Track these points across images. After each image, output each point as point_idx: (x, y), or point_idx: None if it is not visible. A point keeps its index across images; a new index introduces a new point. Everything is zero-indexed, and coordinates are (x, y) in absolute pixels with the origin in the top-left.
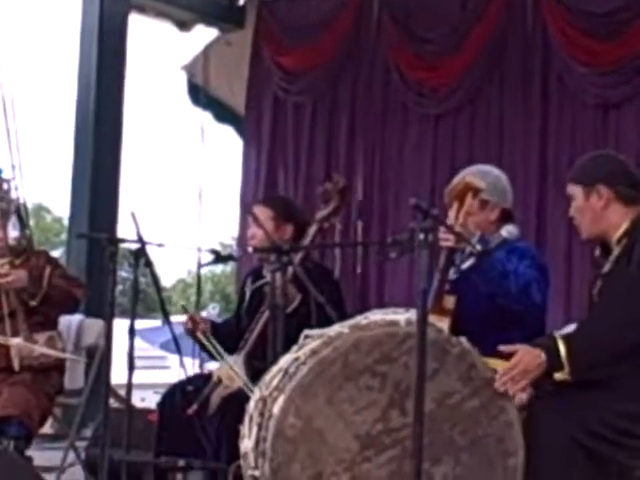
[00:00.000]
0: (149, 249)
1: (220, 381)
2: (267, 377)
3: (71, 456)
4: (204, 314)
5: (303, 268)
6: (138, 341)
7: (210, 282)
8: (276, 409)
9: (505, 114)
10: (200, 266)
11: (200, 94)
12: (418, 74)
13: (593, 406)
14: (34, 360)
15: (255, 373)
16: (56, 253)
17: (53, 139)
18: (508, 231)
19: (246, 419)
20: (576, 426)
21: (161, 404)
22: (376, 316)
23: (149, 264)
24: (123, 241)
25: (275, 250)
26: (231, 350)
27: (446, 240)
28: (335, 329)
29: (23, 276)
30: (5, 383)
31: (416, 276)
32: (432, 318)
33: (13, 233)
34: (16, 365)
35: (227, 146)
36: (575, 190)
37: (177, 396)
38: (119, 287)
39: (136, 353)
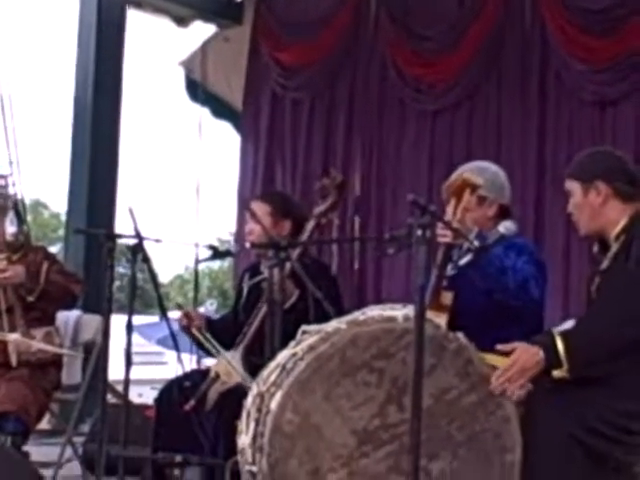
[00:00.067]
0: (147, 245)
1: (217, 377)
2: (264, 373)
3: (68, 452)
4: (202, 310)
5: (301, 264)
6: (135, 337)
7: (208, 278)
8: (273, 405)
9: (503, 111)
10: (198, 262)
11: (198, 90)
12: (416, 71)
13: (591, 403)
14: (31, 356)
15: (253, 369)
16: (54, 249)
17: (51, 135)
18: (506, 227)
19: (243, 415)
20: (574, 423)
21: (158, 400)
22: (373, 312)
23: (147, 260)
24: (121, 237)
25: (273, 246)
26: (228, 346)
27: (444, 236)
28: (333, 325)
29: (20, 272)
30: (2, 379)
31: (413, 272)
32: (429, 314)
33: (10, 229)
34: (13, 361)
35: (225, 142)
36: (573, 186)
37: (174, 392)
38: (117, 283)
39: (133, 349)
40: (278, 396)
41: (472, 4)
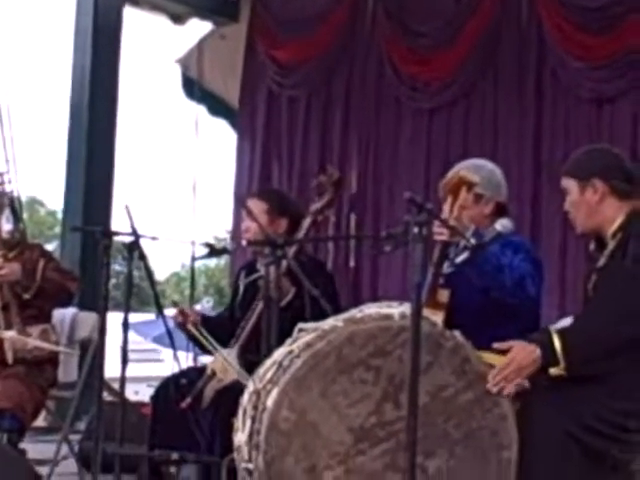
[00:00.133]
0: (143, 242)
1: (214, 374)
2: (261, 370)
3: (64, 449)
4: (198, 307)
5: (297, 261)
6: (131, 334)
7: (204, 276)
8: (270, 402)
9: (499, 109)
10: (194, 259)
11: (194, 87)
12: (412, 68)
13: (588, 401)
14: (28, 353)
15: (249, 366)
16: (50, 247)
17: (47, 132)
18: (502, 225)
19: (240, 412)
20: (570, 420)
21: (155, 397)
22: (370, 310)
23: (143, 257)
24: (117, 234)
25: (269, 243)
26: (224, 343)
27: (440, 234)
28: (329, 322)
29: (17, 269)
30: None
31: (410, 270)
32: (426, 312)
33: (7, 226)
34: (10, 358)
35: (221, 139)
36: (570, 184)
37: (171, 389)
38: (113, 281)
39: (129, 346)
40: (274, 393)
41: (469, 1)
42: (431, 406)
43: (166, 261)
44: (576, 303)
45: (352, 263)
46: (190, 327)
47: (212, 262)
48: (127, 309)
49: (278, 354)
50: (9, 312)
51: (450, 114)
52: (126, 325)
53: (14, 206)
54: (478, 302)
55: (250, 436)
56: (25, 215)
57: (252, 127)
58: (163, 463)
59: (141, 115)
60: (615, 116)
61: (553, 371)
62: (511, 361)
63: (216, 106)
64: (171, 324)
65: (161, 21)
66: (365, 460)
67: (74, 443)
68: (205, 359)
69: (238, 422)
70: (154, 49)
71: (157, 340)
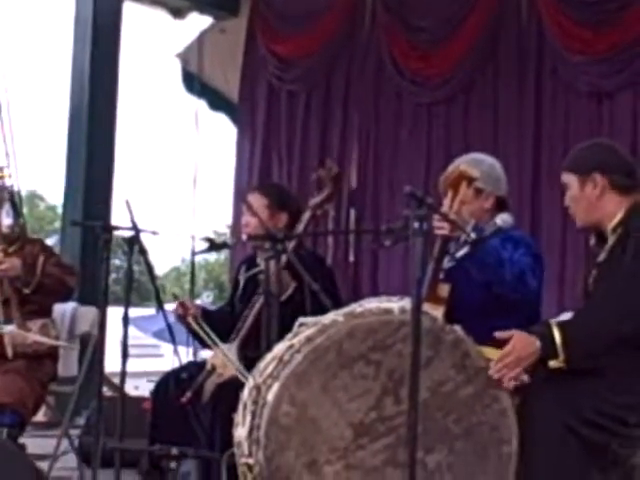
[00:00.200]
0: (143, 237)
1: (214, 369)
2: (261, 365)
3: (64, 444)
4: (198, 302)
5: (296, 256)
6: (131, 329)
7: (204, 270)
8: (270, 397)
9: (499, 103)
10: (194, 254)
11: (194, 82)
12: (412, 63)
13: (589, 395)
14: (28, 348)
15: (248, 361)
16: (49, 241)
17: (47, 127)
18: (503, 219)
19: (240, 407)
20: (571, 414)
21: (155, 392)
22: (371, 304)
23: (143, 252)
24: (117, 228)
25: (269, 238)
26: (225, 338)
27: (441, 228)
28: (330, 317)
29: (17, 264)
30: None
31: (410, 264)
32: (426, 306)
33: (7, 221)
34: (10, 353)
35: (221, 134)
36: (570, 179)
37: (171, 384)
38: (113, 275)
39: (129, 341)
40: (275, 388)
41: None
42: (431, 401)
43: (166, 256)
44: (575, 299)
45: (351, 258)
46: (190, 320)
47: (212, 257)
48: (127, 304)
49: (278, 349)
50: (9, 307)
51: (450, 109)
52: (126, 320)
53: (14, 200)
54: (478, 297)
55: (250, 431)
56: (25, 210)
57: (252, 121)
58: (163, 458)
59: (141, 110)
60: (615, 111)
61: (552, 363)
62: (511, 350)
63: (216, 100)
64: (171, 319)
65: (161, 15)
66: (365, 455)
67: (74, 438)
68: (205, 354)
69: (238, 417)
70: (154, 43)
71: (157, 335)
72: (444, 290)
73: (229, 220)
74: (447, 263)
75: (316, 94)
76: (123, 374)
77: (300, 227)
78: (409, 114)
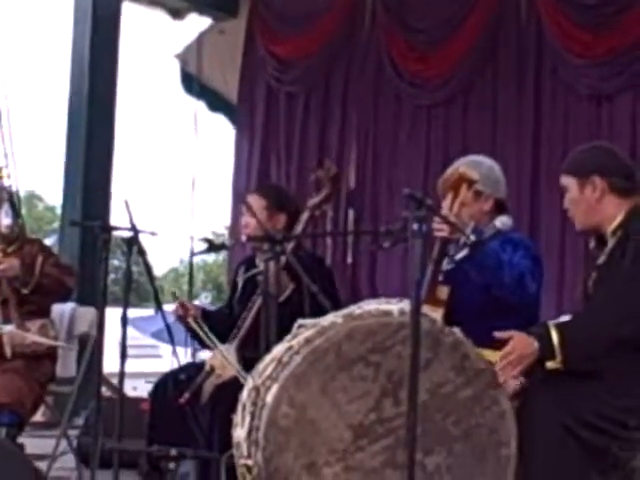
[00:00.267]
0: (142, 237)
1: (212, 370)
2: (260, 366)
3: (63, 444)
4: (196, 303)
5: (295, 257)
6: (130, 330)
7: (202, 271)
8: (269, 398)
9: (498, 105)
10: (193, 255)
11: (193, 83)
12: (411, 64)
13: (588, 397)
14: (26, 348)
15: (247, 362)
16: (48, 241)
17: (46, 127)
18: (502, 222)
19: (239, 408)
20: (570, 416)
21: (153, 393)
22: (370, 306)
23: (142, 252)
24: (116, 229)
25: (268, 239)
26: (223, 338)
27: (440, 230)
28: (329, 319)
29: (15, 264)
30: None
31: (409, 266)
32: (425, 308)
33: (6, 221)
34: (8, 353)
35: (220, 135)
36: (569, 182)
37: (169, 385)
38: (111, 276)
39: (128, 342)
40: (274, 389)
41: None
42: (430, 403)
43: (164, 256)
44: (574, 301)
45: (350, 259)
46: (190, 321)
47: (210, 258)
48: (126, 304)
49: (277, 350)
50: (8, 307)
51: (449, 110)
52: (125, 320)
53: (13, 201)
54: (478, 299)
55: (249, 432)
56: (23, 210)
57: (251, 123)
58: (162, 459)
59: (140, 110)
60: (614, 113)
61: (550, 364)
62: (513, 349)
63: (215, 101)
64: (170, 319)
65: (160, 16)
66: (364, 457)
67: (72, 438)
68: (204, 354)
69: (237, 418)
70: (153, 44)
71: (155, 335)
72: (443, 292)
73: (227, 221)
74: (446, 265)
75: (315, 95)
76: (122, 375)
77: (299, 228)
78: (408, 115)
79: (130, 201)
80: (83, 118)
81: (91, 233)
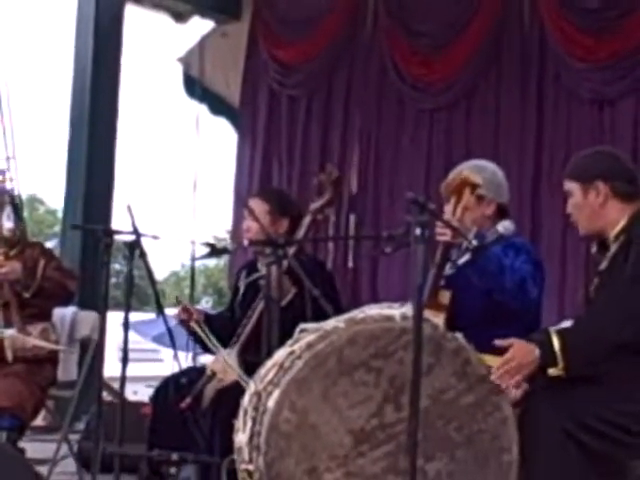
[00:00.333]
0: (143, 241)
1: (214, 374)
2: (262, 371)
3: (64, 449)
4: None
5: (297, 261)
6: (131, 334)
7: (203, 275)
8: (271, 403)
9: (501, 110)
10: (194, 259)
11: (196, 86)
12: (413, 68)
13: (589, 401)
14: (27, 352)
15: (249, 367)
16: (49, 245)
17: (47, 130)
18: (504, 227)
19: (240, 413)
20: (569, 419)
21: (154, 397)
22: (372, 311)
23: (144, 257)
24: (118, 233)
25: (271, 243)
26: (225, 343)
27: (443, 234)
28: (331, 323)
29: (17, 268)
30: None
31: (410, 271)
32: (427, 313)
33: (8, 224)
34: (9, 356)
35: (222, 138)
36: (572, 187)
37: (170, 389)
38: (112, 280)
39: (129, 346)
40: (275, 394)
41: (471, 1)
42: (432, 408)
43: (165, 260)
44: (575, 307)
45: (350, 264)
46: (193, 325)
47: (211, 262)
48: (127, 308)
49: (279, 355)
50: (9, 311)
51: (451, 115)
52: (126, 324)
53: (15, 204)
54: (480, 304)
55: (251, 437)
56: (25, 213)
57: (253, 126)
58: (163, 463)
59: (142, 113)
60: (616, 118)
61: (552, 371)
62: (512, 358)
63: (217, 105)
64: (172, 323)
65: (163, 19)
66: (365, 462)
67: (73, 442)
68: (204, 358)
69: (239, 423)
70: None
71: (156, 339)
72: (445, 297)
73: (229, 225)
74: (448, 270)
75: (317, 99)
76: (123, 379)
77: (301, 232)
78: (410, 119)
79: (132, 205)
80: (85, 121)
81: (92, 237)
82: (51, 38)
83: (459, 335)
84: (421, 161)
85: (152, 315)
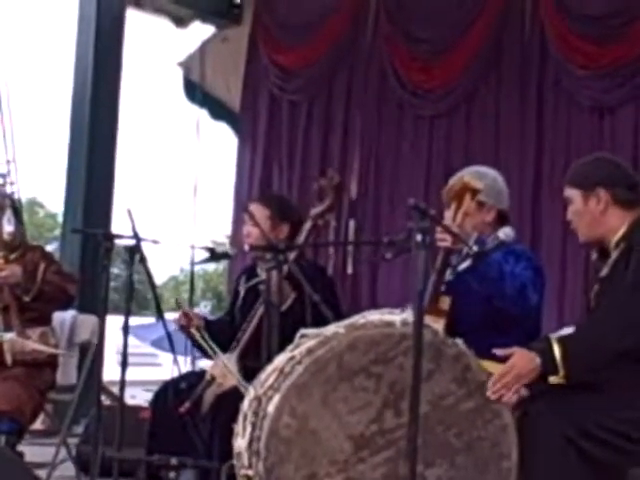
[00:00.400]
0: (143, 246)
1: (213, 379)
2: (262, 376)
3: (63, 452)
4: (196, 311)
5: (298, 266)
6: (130, 338)
7: (202, 280)
8: (271, 408)
9: (501, 116)
10: (194, 264)
11: (196, 91)
12: (413, 74)
13: (589, 408)
14: (27, 355)
15: (248, 372)
16: (48, 249)
17: (47, 134)
18: (505, 233)
19: (240, 418)
20: (570, 426)
21: (154, 401)
22: (373, 316)
23: (144, 260)
24: (119, 237)
25: (271, 248)
26: (225, 348)
27: (443, 240)
28: (331, 329)
29: (17, 271)
30: None
31: (409, 277)
32: (427, 319)
33: (8, 228)
34: (9, 360)
35: (222, 143)
36: (573, 194)
37: (170, 394)
38: (111, 284)
39: (128, 350)
40: (275, 400)
41: (471, 7)
42: (432, 414)
43: (164, 265)
44: (575, 314)
45: (350, 270)
46: (193, 331)
47: (210, 266)
48: (128, 312)
49: (279, 360)
50: (9, 314)
51: (452, 121)
52: (126, 329)
53: (16, 208)
54: (480, 310)
55: (250, 442)
56: (24, 217)
57: (253, 131)
58: (162, 468)
59: (143, 118)
60: (616, 125)
61: (552, 379)
62: (511, 368)
63: (217, 110)
64: (171, 327)
65: (164, 24)
66: (365, 468)
67: (72, 446)
68: (203, 363)
69: (238, 427)
70: (156, 52)
71: (155, 344)
72: (445, 303)
73: (228, 230)
74: (448, 276)
75: (317, 104)
76: (122, 383)
77: (301, 237)
78: (410, 125)
79: (132, 209)
80: (86, 125)
81: (92, 241)
82: (52, 42)
83: (459, 341)
84: (421, 167)
85: (151, 319)
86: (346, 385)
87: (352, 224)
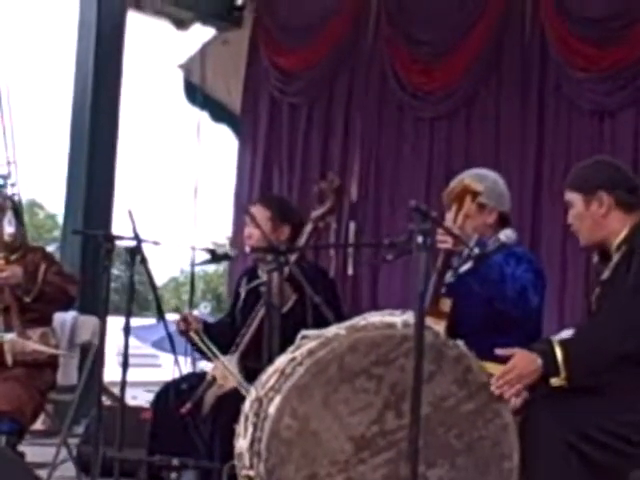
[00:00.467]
0: (144, 247)
1: (214, 380)
2: (263, 377)
3: (63, 453)
4: (196, 313)
5: (299, 268)
6: (130, 339)
7: (202, 281)
8: (272, 409)
9: (501, 118)
10: (194, 265)
11: (197, 93)
12: (414, 76)
13: (590, 412)
14: (27, 356)
15: (249, 373)
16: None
17: (48, 135)
18: (506, 235)
19: (241, 419)
20: (571, 430)
21: (155, 402)
22: (374, 318)
23: (145, 262)
24: (119, 238)
25: (272, 250)
26: (225, 349)
27: (444, 242)
28: (332, 330)
29: (18, 272)
30: None
31: (410, 278)
32: (428, 320)
33: (9, 229)
34: (9, 360)
35: (223, 145)
36: (574, 197)
37: (171, 395)
38: (112, 285)
39: (128, 351)
40: (276, 401)
41: (472, 10)
42: (433, 416)
43: (164, 266)
44: (575, 316)
45: (350, 272)
46: (192, 335)
47: (210, 268)
48: (128, 313)
49: (280, 361)
50: (9, 315)
51: (452, 123)
52: (127, 330)
53: (17, 209)
54: (481, 312)
55: (252, 443)
56: (25, 218)
57: (254, 133)
58: (163, 468)
59: (143, 120)
60: (617, 129)
61: (554, 381)
62: (513, 368)
63: (218, 112)
64: (172, 328)
65: (164, 26)
66: (366, 469)
67: (73, 447)
68: (204, 364)
69: (240, 428)
70: (157, 54)
71: (156, 345)
72: (446, 304)
73: (229, 231)
74: (449, 278)
75: (318, 106)
76: (123, 384)
77: (302, 240)
78: (411, 128)
79: (132, 210)
80: (86, 127)
81: (93, 242)
82: (53, 44)
83: (460, 342)
84: (421, 169)
85: (151, 320)
86: (347, 386)
87: (353, 226)
